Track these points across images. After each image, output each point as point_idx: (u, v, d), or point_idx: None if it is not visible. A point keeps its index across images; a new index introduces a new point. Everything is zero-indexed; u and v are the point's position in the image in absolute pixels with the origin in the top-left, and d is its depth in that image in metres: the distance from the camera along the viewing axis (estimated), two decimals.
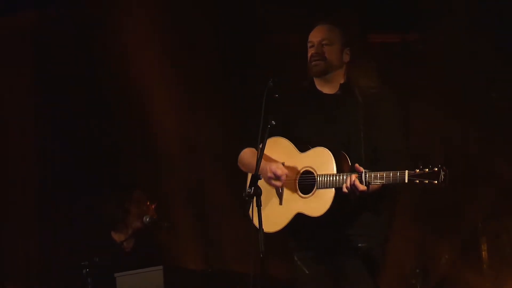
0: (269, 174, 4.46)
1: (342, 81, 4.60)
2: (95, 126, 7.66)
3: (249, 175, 4.63)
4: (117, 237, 6.18)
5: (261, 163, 4.42)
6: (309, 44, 4.64)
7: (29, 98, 7.76)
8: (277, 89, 4.40)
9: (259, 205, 4.17)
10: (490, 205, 7.10)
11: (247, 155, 4.65)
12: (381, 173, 4.22)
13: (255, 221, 4.19)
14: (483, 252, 7.17)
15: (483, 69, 7.19)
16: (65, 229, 7.56)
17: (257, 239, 4.12)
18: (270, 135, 4.39)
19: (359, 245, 4.46)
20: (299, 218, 4.44)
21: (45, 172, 7.66)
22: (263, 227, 4.44)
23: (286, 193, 4.50)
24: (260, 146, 4.30)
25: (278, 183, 4.47)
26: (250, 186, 4.18)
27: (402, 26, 7.59)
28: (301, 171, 4.48)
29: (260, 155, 4.28)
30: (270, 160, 4.52)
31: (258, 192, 4.18)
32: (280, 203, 4.50)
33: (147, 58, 7.64)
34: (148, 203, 6.25)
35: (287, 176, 4.47)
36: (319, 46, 4.58)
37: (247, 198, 4.14)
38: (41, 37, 7.75)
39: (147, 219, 6.07)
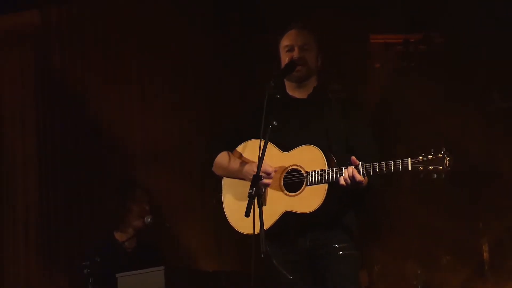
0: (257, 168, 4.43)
1: (314, 85, 4.60)
2: (95, 126, 7.66)
3: (224, 179, 4.63)
4: (119, 236, 6.17)
5: (241, 166, 4.47)
6: (285, 48, 4.60)
7: (30, 98, 7.77)
8: (278, 89, 4.40)
9: (260, 206, 4.16)
10: (492, 206, 7.10)
11: (225, 159, 4.62)
12: (381, 163, 4.20)
13: (254, 222, 4.19)
14: (484, 253, 7.17)
15: (485, 69, 7.20)
16: (66, 229, 7.56)
17: (259, 238, 4.11)
18: (243, 134, 4.46)
19: (335, 245, 4.44)
20: (284, 220, 4.42)
21: (46, 171, 7.66)
22: (240, 229, 4.48)
23: (270, 193, 4.47)
24: (262, 146, 4.30)
25: (268, 181, 4.43)
26: (251, 187, 4.17)
27: (404, 26, 7.60)
28: (286, 170, 4.46)
29: (262, 156, 4.27)
30: (250, 162, 4.51)
31: (259, 193, 4.18)
32: (264, 204, 4.42)
33: (148, 59, 7.65)
34: (149, 203, 6.25)
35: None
36: (301, 50, 4.55)
37: (248, 199, 4.14)
38: (42, 37, 7.76)
39: (149, 219, 6.06)
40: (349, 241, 4.47)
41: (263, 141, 4.45)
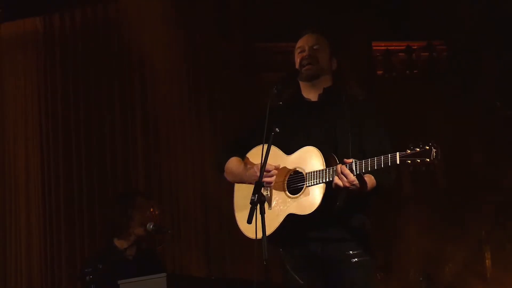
0: (259, 173, 4.40)
1: (326, 86, 4.58)
2: (99, 131, 7.66)
3: (236, 186, 4.62)
4: (119, 244, 6.16)
5: (245, 170, 4.48)
6: (297, 50, 4.63)
7: (33, 103, 7.78)
8: (281, 96, 4.42)
9: (262, 213, 4.16)
10: (494, 214, 7.09)
11: (233, 164, 4.63)
12: (372, 159, 4.14)
13: (259, 228, 4.17)
14: (487, 261, 7.16)
15: (488, 77, 7.20)
16: (68, 236, 7.56)
17: (261, 246, 4.11)
18: (257, 142, 4.42)
19: (350, 252, 4.39)
20: (289, 223, 4.40)
21: (49, 178, 7.66)
22: (249, 234, 4.46)
23: (275, 196, 4.47)
24: (264, 153, 4.31)
25: (270, 179, 4.42)
26: (253, 194, 4.17)
27: (407, 34, 7.61)
28: (290, 173, 4.46)
29: (264, 163, 4.27)
30: (254, 165, 4.50)
31: (262, 200, 4.18)
32: (270, 208, 4.46)
33: (150, 67, 7.66)
34: (151, 210, 6.24)
35: (275, 179, 4.45)
36: (311, 50, 4.57)
37: (251, 206, 4.14)
38: (45, 43, 7.78)
39: (151, 226, 6.05)
40: (363, 247, 4.41)
41: (255, 148, 4.53)
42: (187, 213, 7.54)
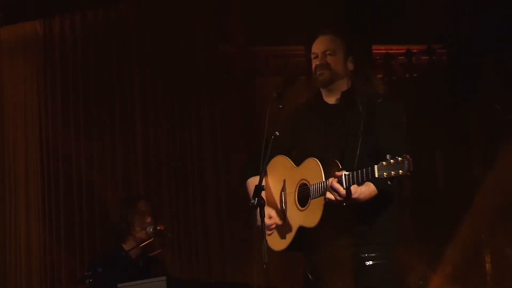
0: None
1: (343, 90, 4.57)
2: (98, 135, 7.66)
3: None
4: (125, 247, 6.19)
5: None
6: (312, 56, 4.63)
7: (33, 106, 7.78)
8: (281, 100, 4.42)
9: (262, 216, 4.17)
10: (494, 218, 7.08)
11: (250, 185, 4.64)
12: (357, 172, 4.16)
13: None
14: (486, 265, 7.15)
15: (488, 81, 7.20)
16: (68, 237, 7.56)
17: (261, 250, 4.12)
18: (275, 148, 4.41)
19: (366, 255, 4.40)
20: (303, 232, 4.42)
21: (48, 181, 7.66)
22: (272, 246, 4.48)
23: (289, 209, 4.50)
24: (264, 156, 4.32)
25: (269, 232, 4.48)
26: (253, 197, 4.18)
27: (407, 37, 7.61)
28: (299, 184, 4.48)
29: (263, 167, 4.28)
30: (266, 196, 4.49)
31: (261, 203, 4.18)
32: (284, 220, 4.50)
33: (151, 68, 7.67)
34: (151, 214, 6.25)
35: (288, 191, 4.49)
36: (323, 57, 4.55)
37: (250, 210, 4.15)
38: (44, 46, 7.78)
39: (151, 230, 6.07)
40: (381, 250, 4.40)
41: (281, 157, 4.57)
42: (188, 216, 7.54)
